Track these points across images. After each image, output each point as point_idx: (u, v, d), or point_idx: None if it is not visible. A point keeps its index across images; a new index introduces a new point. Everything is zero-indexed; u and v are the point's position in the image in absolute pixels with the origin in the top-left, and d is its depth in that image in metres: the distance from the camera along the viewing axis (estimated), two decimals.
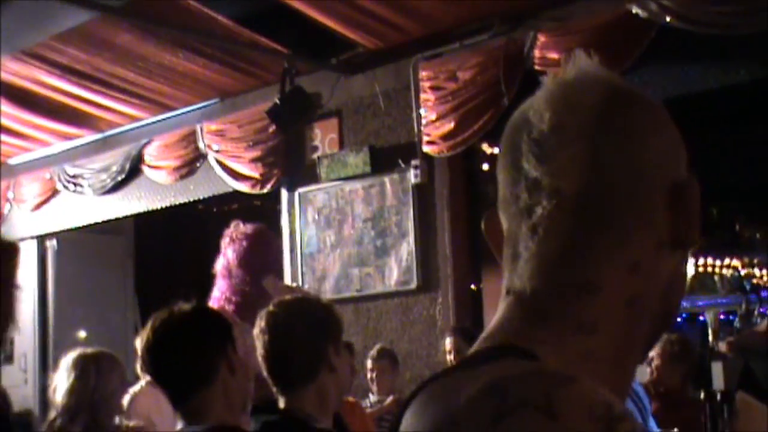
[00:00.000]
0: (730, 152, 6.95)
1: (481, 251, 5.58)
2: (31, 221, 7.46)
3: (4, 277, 1.84)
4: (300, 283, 5.82)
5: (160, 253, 8.17)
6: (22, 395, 6.63)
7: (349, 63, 5.79)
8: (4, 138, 7.12)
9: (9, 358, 7.26)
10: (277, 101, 5.58)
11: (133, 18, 5.36)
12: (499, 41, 5.09)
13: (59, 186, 7.33)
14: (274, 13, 5.28)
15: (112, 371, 3.27)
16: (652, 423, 3.09)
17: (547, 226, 0.76)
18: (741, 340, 5.85)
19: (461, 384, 0.69)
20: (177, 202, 6.71)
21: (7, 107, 6.51)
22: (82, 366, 3.14)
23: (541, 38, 4.89)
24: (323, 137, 5.92)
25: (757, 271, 10.27)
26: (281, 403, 2.21)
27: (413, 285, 5.43)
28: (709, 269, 10.11)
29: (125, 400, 3.91)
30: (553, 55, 4.82)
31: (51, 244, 7.61)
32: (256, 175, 6.09)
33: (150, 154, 6.74)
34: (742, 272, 10.23)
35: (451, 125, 5.23)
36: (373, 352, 5.12)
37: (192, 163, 6.48)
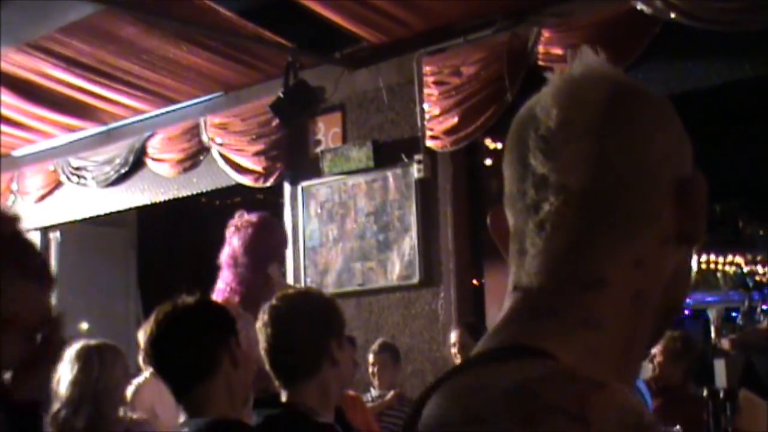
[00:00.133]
0: (734, 149, 6.94)
1: (483, 246, 5.58)
2: (34, 213, 7.46)
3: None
4: (302, 277, 5.83)
5: (163, 245, 8.19)
6: None
7: (353, 57, 5.79)
8: (9, 130, 7.14)
9: None
10: (281, 95, 5.58)
11: (137, 11, 5.36)
12: (503, 37, 5.09)
13: (63, 178, 7.35)
14: (278, 7, 5.28)
15: (116, 363, 3.28)
16: None
17: (555, 222, 0.76)
18: (743, 337, 5.87)
19: (484, 382, 0.69)
20: (180, 195, 6.72)
21: (12, 99, 6.52)
22: (85, 357, 3.14)
23: (545, 34, 4.88)
24: (326, 131, 5.92)
25: (760, 268, 10.28)
26: (283, 397, 2.22)
27: (415, 279, 5.43)
28: (712, 266, 10.12)
29: (129, 391, 3.92)
30: (557, 51, 4.82)
31: (54, 236, 7.62)
32: (259, 168, 6.10)
33: (153, 146, 6.75)
34: (745, 269, 10.24)
35: (455, 120, 5.23)
36: (375, 346, 5.13)
37: (195, 156, 6.49)
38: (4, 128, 7.09)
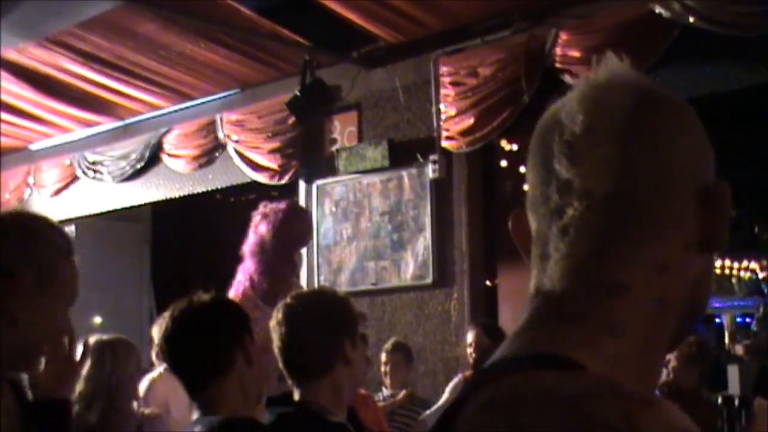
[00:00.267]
0: (751, 153, 6.90)
1: (496, 247, 5.57)
2: (50, 207, 7.50)
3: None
4: (316, 275, 5.84)
5: (177, 240, 8.22)
6: None
7: (370, 56, 5.79)
8: (26, 123, 7.18)
9: None
10: (297, 93, 5.58)
11: (155, 7, 5.38)
12: (521, 38, 5.08)
13: (79, 172, 7.38)
14: (295, 5, 5.29)
15: (129, 357, 3.30)
16: None
17: (578, 227, 0.76)
18: (757, 344, 5.83)
19: (523, 393, 0.68)
20: (195, 191, 6.74)
21: (30, 93, 6.56)
22: (98, 352, 3.16)
23: (563, 36, 4.86)
24: (342, 130, 5.92)
25: None
26: (296, 396, 2.22)
27: (429, 279, 5.43)
28: (727, 271, 10.06)
29: (143, 386, 3.94)
30: (575, 54, 4.80)
31: (69, 230, 7.64)
32: (274, 166, 6.11)
33: (169, 142, 6.77)
34: (761, 275, 10.17)
35: (471, 121, 5.22)
36: (388, 345, 5.13)
37: (211, 153, 6.51)
38: (22, 122, 7.13)
